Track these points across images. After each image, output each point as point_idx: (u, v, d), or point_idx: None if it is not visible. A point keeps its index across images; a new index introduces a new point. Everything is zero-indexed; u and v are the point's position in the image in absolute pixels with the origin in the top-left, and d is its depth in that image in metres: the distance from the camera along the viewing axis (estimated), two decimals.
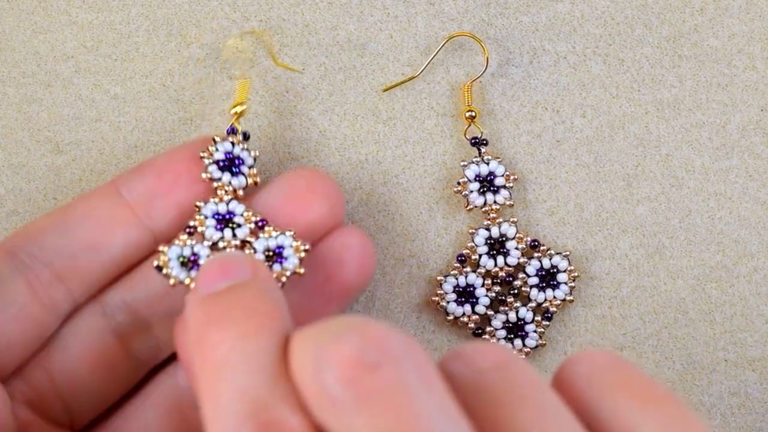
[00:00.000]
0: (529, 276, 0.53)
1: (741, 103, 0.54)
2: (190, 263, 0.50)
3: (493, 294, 0.53)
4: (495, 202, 0.53)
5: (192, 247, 0.49)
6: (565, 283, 0.53)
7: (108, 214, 0.49)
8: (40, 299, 0.48)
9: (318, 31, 0.54)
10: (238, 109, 0.50)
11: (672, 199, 0.54)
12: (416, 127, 0.54)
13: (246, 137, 0.50)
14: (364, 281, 0.50)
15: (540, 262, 0.53)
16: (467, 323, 0.53)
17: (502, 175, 0.53)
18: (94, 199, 0.49)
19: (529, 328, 0.53)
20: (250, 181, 0.50)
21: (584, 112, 0.54)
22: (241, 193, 0.50)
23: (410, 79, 0.53)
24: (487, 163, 0.53)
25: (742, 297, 0.54)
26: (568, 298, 0.53)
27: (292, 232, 0.49)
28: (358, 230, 0.51)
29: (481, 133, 0.53)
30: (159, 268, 0.49)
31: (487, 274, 0.53)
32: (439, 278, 0.53)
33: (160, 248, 0.49)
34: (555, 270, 0.53)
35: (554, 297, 0.53)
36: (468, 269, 0.53)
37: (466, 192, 0.53)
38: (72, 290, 0.49)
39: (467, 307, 0.53)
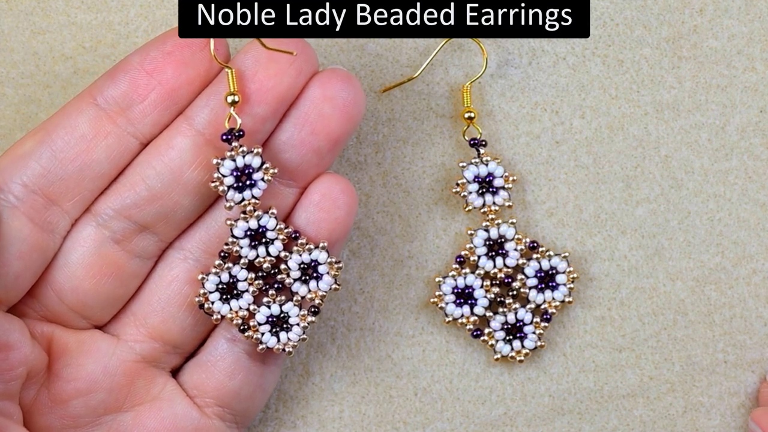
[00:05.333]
0: (528, 277, 0.53)
1: (740, 105, 0.54)
2: (229, 288, 0.51)
3: (492, 295, 0.53)
4: (494, 203, 0.53)
5: (229, 271, 0.50)
6: (564, 285, 0.53)
7: (89, 129, 0.49)
8: (39, 226, 0.49)
9: None
10: (233, 98, 0.49)
11: (671, 200, 0.54)
12: (415, 128, 0.54)
13: (242, 134, 0.49)
14: (352, 127, 0.50)
15: (539, 263, 0.53)
16: (466, 324, 0.54)
17: (501, 176, 0.53)
18: (73, 115, 0.49)
19: (528, 329, 0.54)
20: (267, 178, 0.50)
21: (583, 113, 0.54)
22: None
23: (409, 79, 0.53)
24: (486, 164, 0.53)
25: (742, 299, 0.54)
26: (567, 299, 0.53)
27: (325, 245, 0.50)
28: (339, 73, 0.50)
29: (480, 134, 0.54)
30: (200, 305, 0.50)
31: (486, 275, 0.53)
32: (437, 279, 0.53)
33: (199, 277, 0.50)
34: (554, 271, 0.53)
35: (553, 298, 0.54)
36: (467, 270, 0.53)
37: (465, 193, 0.53)
38: (67, 209, 0.49)
39: (466, 309, 0.53)
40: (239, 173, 0.49)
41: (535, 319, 0.54)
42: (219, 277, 0.51)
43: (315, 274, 0.51)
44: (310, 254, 0.50)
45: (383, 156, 0.55)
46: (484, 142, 0.53)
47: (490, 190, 0.53)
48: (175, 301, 0.51)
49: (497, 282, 0.53)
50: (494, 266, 0.53)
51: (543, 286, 0.53)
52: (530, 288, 0.53)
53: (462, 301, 0.54)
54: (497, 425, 0.55)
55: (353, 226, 0.54)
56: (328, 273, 0.50)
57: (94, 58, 0.54)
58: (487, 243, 0.53)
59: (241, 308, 0.51)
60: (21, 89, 0.54)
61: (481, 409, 0.55)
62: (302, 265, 0.51)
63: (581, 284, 0.55)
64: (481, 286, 0.53)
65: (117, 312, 0.52)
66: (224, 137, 0.49)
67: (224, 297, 0.51)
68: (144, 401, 0.52)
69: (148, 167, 0.50)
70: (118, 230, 0.50)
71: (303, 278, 0.51)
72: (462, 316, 0.54)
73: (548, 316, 0.54)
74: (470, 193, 0.53)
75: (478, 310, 0.53)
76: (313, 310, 0.51)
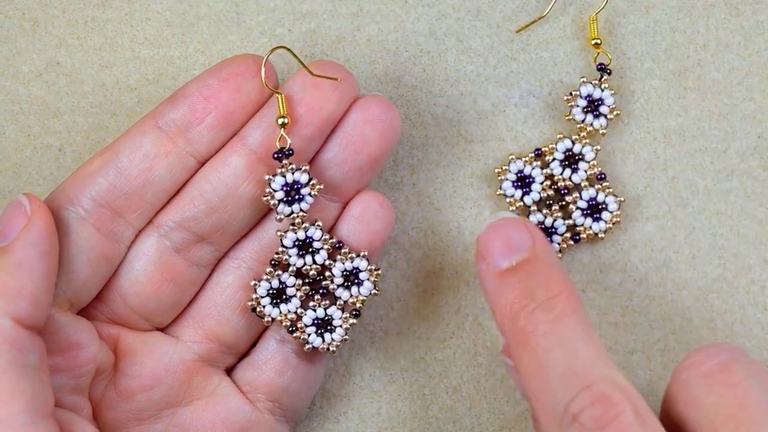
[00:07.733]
0: None
1: (740, 131, 0.55)
2: (279, 293, 0.52)
3: None
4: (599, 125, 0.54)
5: (279, 277, 0.52)
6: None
7: (151, 149, 0.50)
8: (106, 236, 0.50)
9: (358, 65, 0.55)
10: (283, 121, 0.50)
11: (678, 217, 0.55)
12: (446, 152, 0.55)
13: (291, 153, 0.50)
14: (389, 148, 0.51)
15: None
16: None
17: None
18: (137, 137, 0.50)
19: None
20: (314, 193, 0.51)
21: (599, 139, 0.55)
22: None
23: (540, 18, 0.54)
24: (602, 90, 0.54)
25: (741, 306, 0.55)
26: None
27: (365, 254, 0.51)
28: (378, 99, 0.51)
29: (610, 60, 0.54)
30: (253, 309, 0.52)
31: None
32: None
33: (252, 284, 0.52)
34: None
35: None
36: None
37: (575, 107, 0.54)
38: (131, 221, 0.51)
39: None
40: (289, 188, 0.50)
41: None
42: (270, 283, 0.51)
43: (356, 281, 0.52)
44: (352, 262, 0.51)
45: (417, 177, 0.55)
46: (609, 71, 0.54)
47: (595, 112, 0.54)
48: (230, 306, 0.52)
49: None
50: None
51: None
52: None
53: None
54: (520, 420, 0.55)
55: (391, 240, 0.55)
56: (368, 279, 0.52)
57: (156, 89, 0.55)
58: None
59: (289, 311, 0.52)
60: (90, 117, 0.55)
61: (506, 406, 0.56)
62: (345, 272, 0.52)
63: (597, 293, 0.55)
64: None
65: (177, 315, 0.53)
66: (275, 156, 0.50)
67: (274, 301, 0.52)
68: (201, 396, 0.53)
69: (205, 183, 0.51)
70: (178, 241, 0.51)
71: (345, 284, 0.52)
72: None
73: None
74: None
75: None
76: (354, 313, 0.52)
